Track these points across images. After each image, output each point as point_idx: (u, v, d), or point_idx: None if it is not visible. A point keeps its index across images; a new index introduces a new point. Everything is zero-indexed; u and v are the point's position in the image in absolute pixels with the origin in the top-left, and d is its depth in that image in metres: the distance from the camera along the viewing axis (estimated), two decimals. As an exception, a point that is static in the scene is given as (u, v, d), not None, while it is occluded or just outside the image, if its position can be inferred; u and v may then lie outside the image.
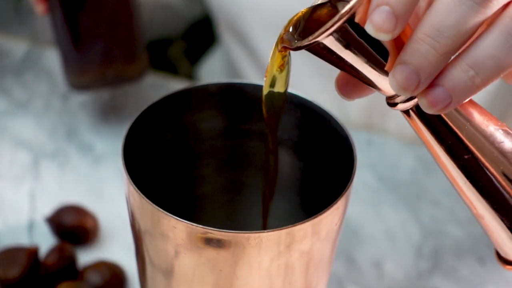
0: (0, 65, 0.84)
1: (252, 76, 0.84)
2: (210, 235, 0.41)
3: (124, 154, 0.45)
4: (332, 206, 0.43)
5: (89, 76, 0.73)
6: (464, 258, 0.67)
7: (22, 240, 0.66)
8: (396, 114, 0.79)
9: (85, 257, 0.65)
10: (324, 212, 0.42)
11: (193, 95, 0.49)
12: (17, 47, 0.87)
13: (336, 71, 0.42)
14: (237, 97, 0.50)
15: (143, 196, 0.42)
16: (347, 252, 0.66)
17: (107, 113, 0.79)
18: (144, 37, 0.76)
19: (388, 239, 0.68)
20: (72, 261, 0.62)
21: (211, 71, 0.96)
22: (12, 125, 0.77)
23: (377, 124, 0.81)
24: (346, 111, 0.81)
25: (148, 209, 0.42)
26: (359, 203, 0.71)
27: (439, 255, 0.67)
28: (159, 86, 0.82)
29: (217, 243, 0.41)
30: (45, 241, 0.66)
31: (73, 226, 0.64)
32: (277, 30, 0.43)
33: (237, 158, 0.53)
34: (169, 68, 1.07)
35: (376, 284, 0.64)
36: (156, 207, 0.42)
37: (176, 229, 0.42)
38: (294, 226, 0.42)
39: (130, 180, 0.43)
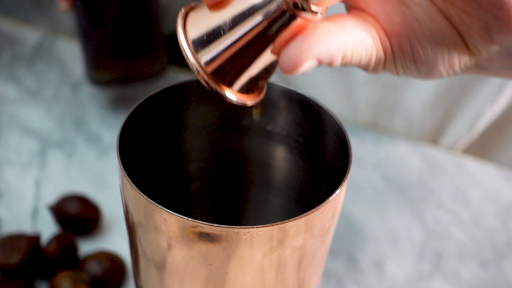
0: (13, 52, 0.85)
1: None
2: (200, 229, 0.41)
3: (120, 146, 0.45)
4: (325, 203, 0.42)
5: (110, 72, 0.74)
6: (466, 261, 0.66)
7: (26, 227, 0.66)
8: (404, 112, 0.79)
9: (87, 246, 0.65)
10: (317, 209, 0.42)
11: (191, 89, 0.49)
12: (30, 35, 0.87)
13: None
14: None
15: (136, 188, 0.42)
16: (349, 251, 0.66)
17: (116, 104, 0.79)
18: (168, 30, 0.76)
19: (391, 239, 0.67)
20: (73, 250, 0.62)
21: None
22: (21, 112, 0.78)
23: (384, 121, 0.81)
24: (354, 108, 0.81)
25: (140, 202, 0.42)
26: (363, 202, 0.70)
27: (441, 257, 0.66)
28: (170, 79, 0.82)
29: (208, 237, 0.41)
30: (48, 229, 0.66)
31: (76, 216, 0.65)
32: None
33: (234, 152, 0.53)
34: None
35: (376, 285, 0.64)
36: (148, 199, 0.42)
37: (168, 222, 0.42)
38: (286, 222, 0.41)
39: (124, 172, 0.43)
